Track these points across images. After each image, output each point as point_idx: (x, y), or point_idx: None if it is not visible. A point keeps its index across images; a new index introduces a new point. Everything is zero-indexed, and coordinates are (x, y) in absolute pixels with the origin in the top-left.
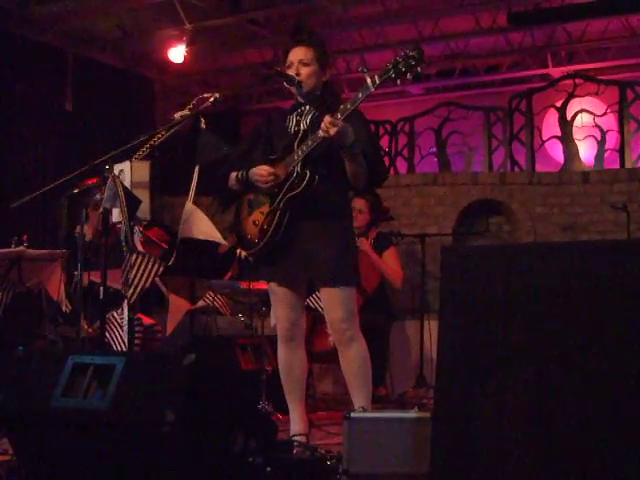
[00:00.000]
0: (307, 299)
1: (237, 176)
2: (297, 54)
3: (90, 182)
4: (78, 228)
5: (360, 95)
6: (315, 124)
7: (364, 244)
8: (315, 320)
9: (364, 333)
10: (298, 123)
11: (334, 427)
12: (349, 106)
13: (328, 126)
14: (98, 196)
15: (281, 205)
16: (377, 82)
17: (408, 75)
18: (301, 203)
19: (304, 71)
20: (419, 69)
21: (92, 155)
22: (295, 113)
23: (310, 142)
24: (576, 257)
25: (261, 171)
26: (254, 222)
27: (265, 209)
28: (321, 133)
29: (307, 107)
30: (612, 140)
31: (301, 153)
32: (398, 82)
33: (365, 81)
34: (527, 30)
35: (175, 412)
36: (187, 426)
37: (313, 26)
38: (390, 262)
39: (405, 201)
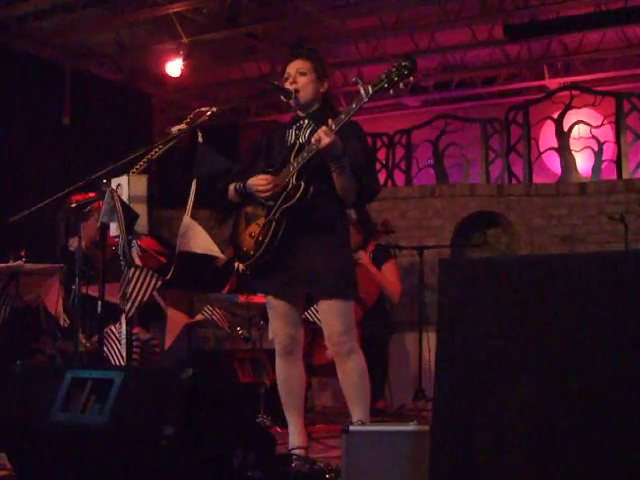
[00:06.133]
0: (306, 312)
1: (235, 187)
2: (295, 65)
3: (85, 196)
4: (71, 241)
5: (354, 106)
6: None
7: (363, 257)
8: (315, 334)
9: (362, 345)
10: (297, 136)
11: (333, 440)
12: (343, 117)
13: (322, 136)
14: (87, 207)
15: (276, 216)
16: (371, 92)
17: (401, 85)
18: (297, 215)
19: (301, 80)
20: (411, 79)
21: (90, 169)
22: (294, 127)
23: (305, 154)
24: (575, 269)
25: (260, 180)
26: (250, 234)
27: (261, 221)
28: (313, 142)
29: (306, 121)
30: (609, 151)
31: (297, 165)
32: (391, 92)
33: (359, 92)
34: (523, 42)
35: (173, 426)
36: (185, 440)
37: (311, 39)
38: (389, 276)
39: (403, 213)
